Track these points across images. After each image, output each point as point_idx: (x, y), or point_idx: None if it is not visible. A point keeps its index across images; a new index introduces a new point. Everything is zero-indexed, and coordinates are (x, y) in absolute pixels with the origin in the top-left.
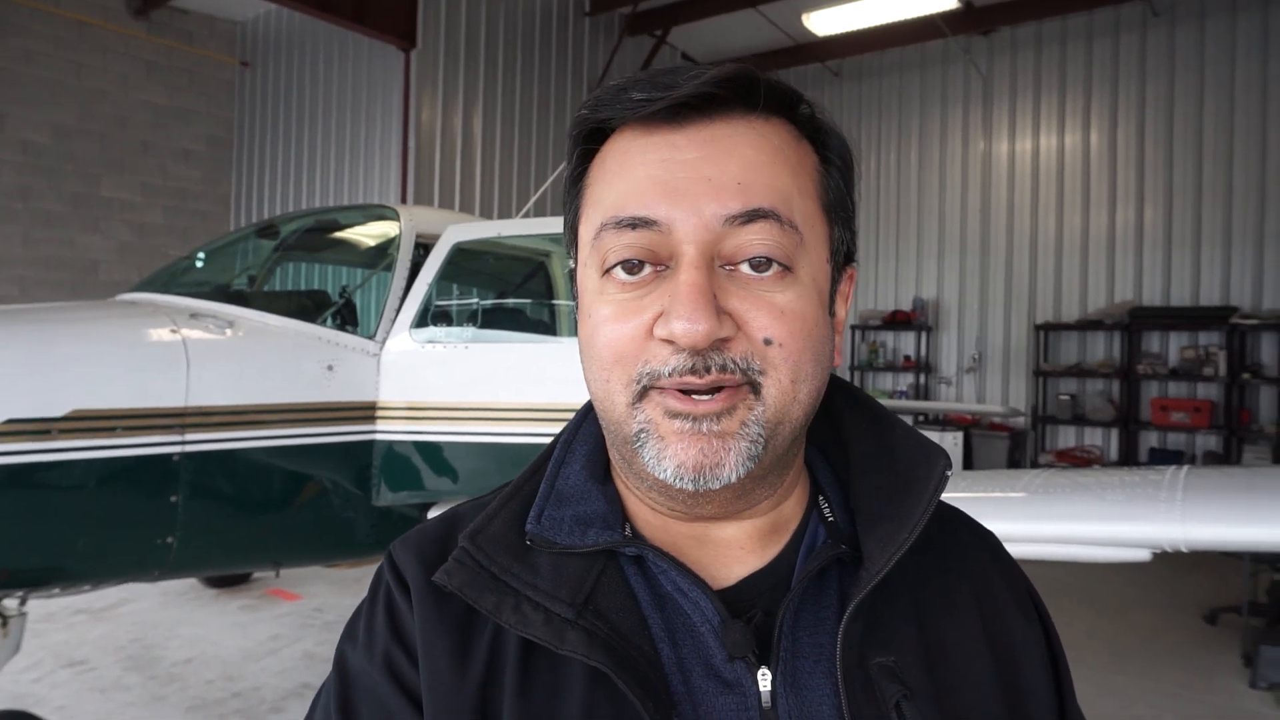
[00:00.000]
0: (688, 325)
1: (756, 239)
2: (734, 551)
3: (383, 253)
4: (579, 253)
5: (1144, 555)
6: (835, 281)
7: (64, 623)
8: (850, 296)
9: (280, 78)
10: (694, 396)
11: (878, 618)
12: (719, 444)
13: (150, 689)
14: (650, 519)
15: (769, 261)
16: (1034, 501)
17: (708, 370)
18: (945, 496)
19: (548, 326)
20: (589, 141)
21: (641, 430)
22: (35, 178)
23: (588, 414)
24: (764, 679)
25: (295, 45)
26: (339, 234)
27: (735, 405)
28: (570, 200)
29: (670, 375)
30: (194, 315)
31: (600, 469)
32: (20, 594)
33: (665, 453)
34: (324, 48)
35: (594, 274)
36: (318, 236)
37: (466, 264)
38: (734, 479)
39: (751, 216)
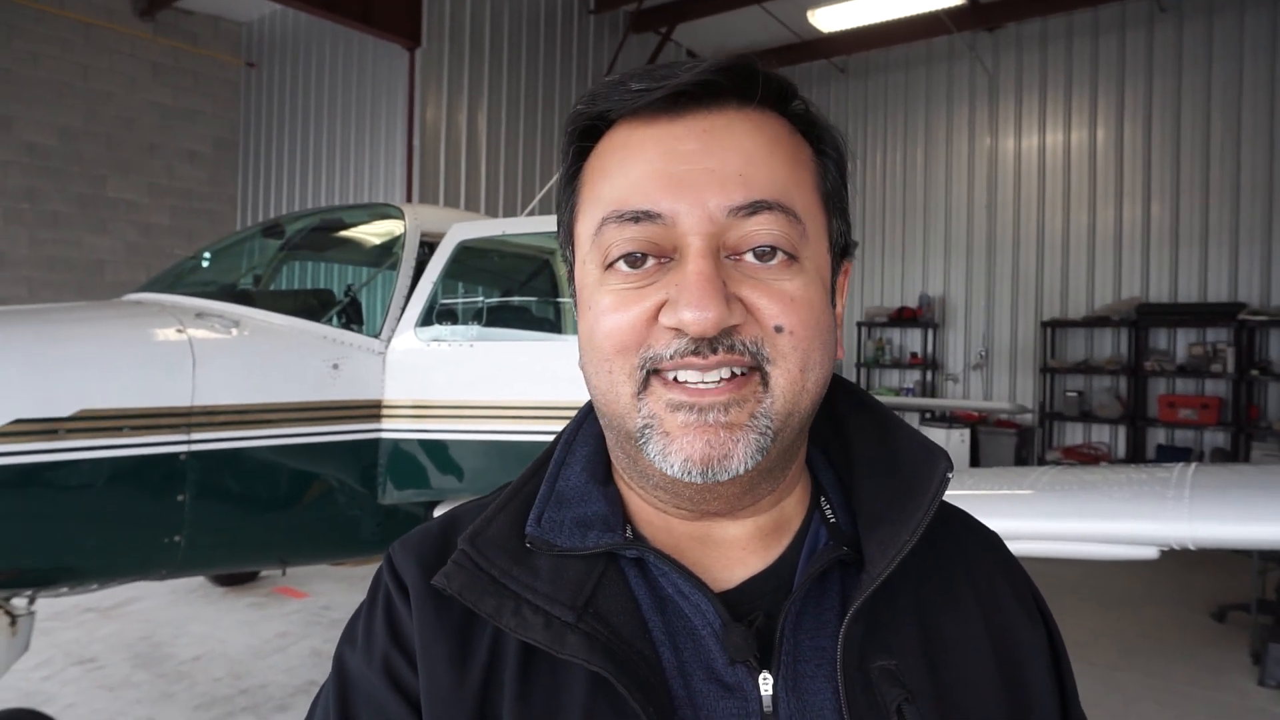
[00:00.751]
0: (697, 313)
1: (762, 229)
2: (736, 552)
3: (388, 251)
4: (577, 250)
5: (1151, 553)
6: (834, 273)
7: (73, 621)
8: (846, 290)
9: (285, 78)
10: (699, 385)
11: (879, 620)
12: (726, 435)
13: (159, 686)
14: (653, 519)
15: (774, 250)
16: (1041, 499)
17: (714, 351)
18: (953, 493)
19: (553, 324)
20: (584, 139)
21: (646, 426)
22: (42, 179)
23: (589, 414)
24: (765, 683)
25: (300, 45)
26: (344, 233)
27: (744, 396)
28: (566, 198)
29: (673, 358)
30: (200, 315)
31: (601, 470)
32: (29, 593)
33: (671, 448)
34: (329, 47)
35: (595, 269)
36: (323, 236)
37: (471, 262)
38: (742, 471)
39: (755, 208)
